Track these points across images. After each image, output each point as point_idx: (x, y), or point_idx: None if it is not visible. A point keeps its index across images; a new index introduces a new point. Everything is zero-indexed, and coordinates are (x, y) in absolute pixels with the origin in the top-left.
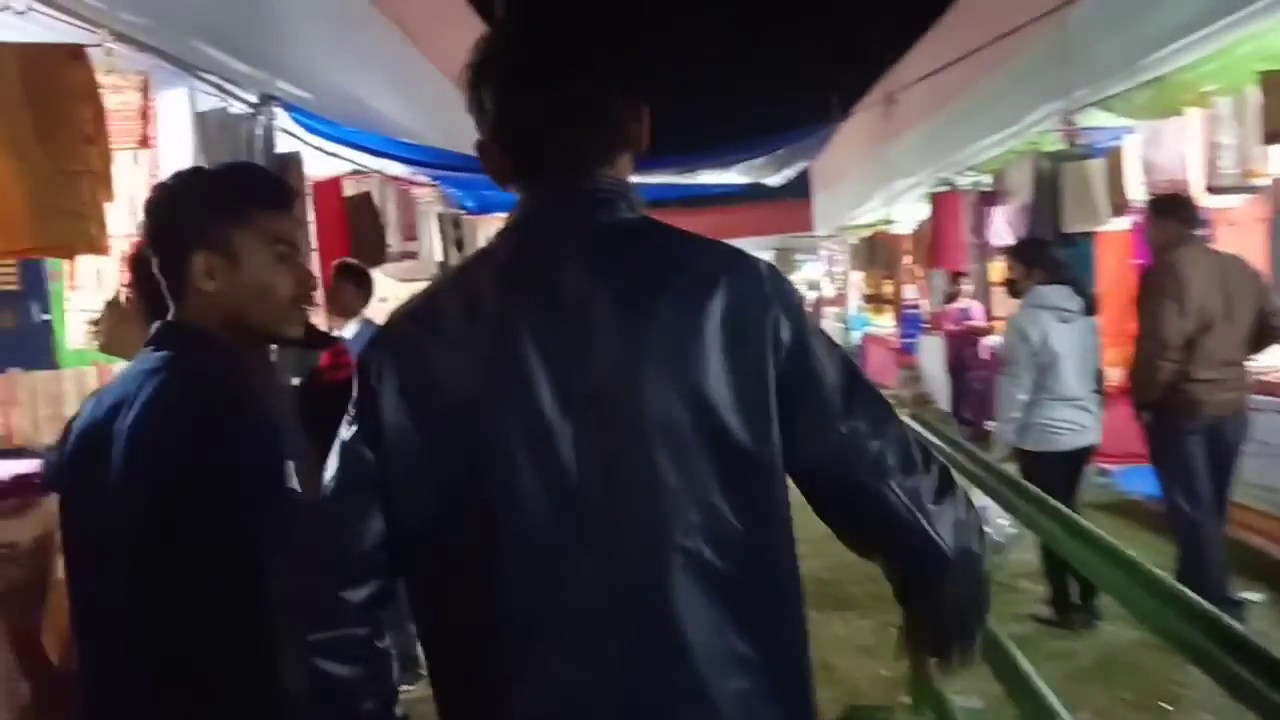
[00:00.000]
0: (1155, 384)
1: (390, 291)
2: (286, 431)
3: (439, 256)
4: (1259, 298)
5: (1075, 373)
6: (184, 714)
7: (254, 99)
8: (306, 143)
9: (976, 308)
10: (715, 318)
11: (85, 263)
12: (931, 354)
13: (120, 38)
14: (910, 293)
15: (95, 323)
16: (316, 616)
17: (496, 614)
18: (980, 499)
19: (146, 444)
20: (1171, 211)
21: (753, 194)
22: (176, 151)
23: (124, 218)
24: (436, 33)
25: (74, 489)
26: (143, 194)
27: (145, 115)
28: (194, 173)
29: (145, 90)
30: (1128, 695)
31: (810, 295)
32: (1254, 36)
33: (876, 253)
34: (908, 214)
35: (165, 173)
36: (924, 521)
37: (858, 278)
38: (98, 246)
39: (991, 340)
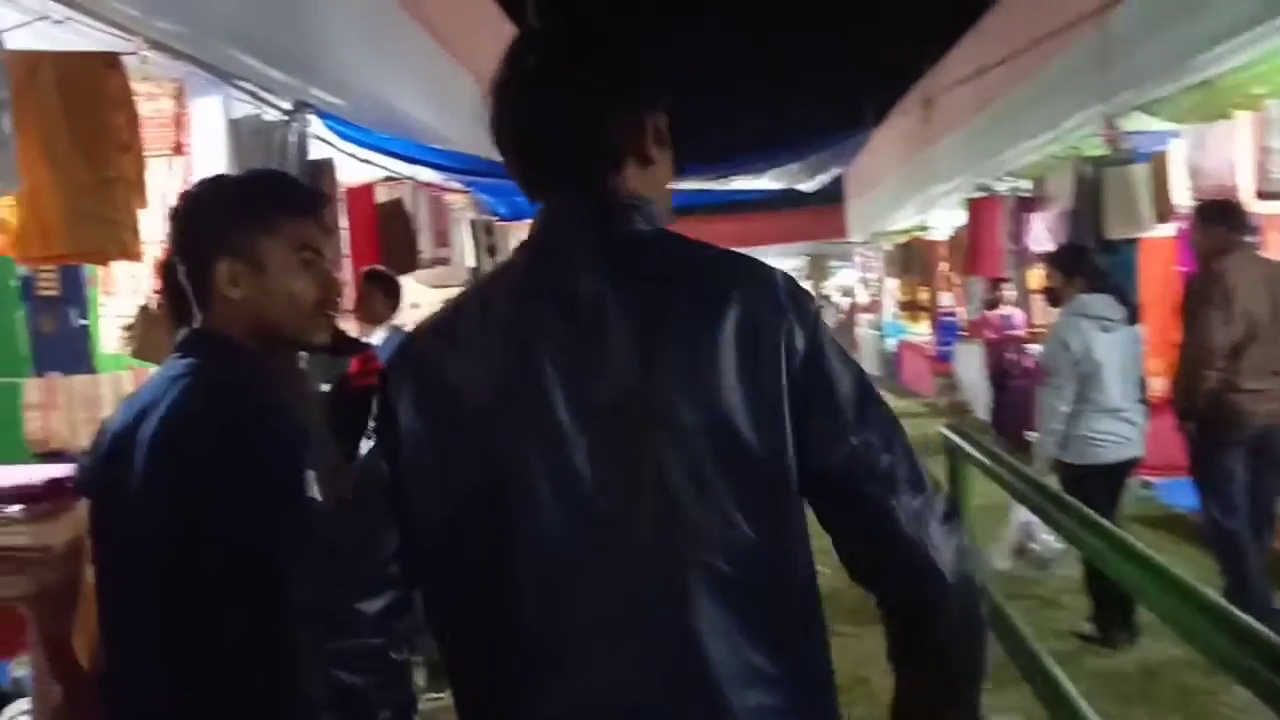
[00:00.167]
0: (1199, 393)
1: (423, 298)
2: (310, 439)
3: (471, 263)
4: None
5: (1118, 383)
6: (201, 714)
7: (288, 106)
8: (339, 149)
9: (1019, 315)
10: (729, 328)
11: (120, 269)
12: (968, 362)
13: (156, 45)
14: (946, 300)
15: (128, 328)
16: (332, 626)
17: (513, 625)
18: (1025, 514)
19: (167, 451)
20: (1219, 218)
21: (786, 200)
22: (210, 158)
23: (157, 224)
24: (469, 38)
25: (102, 494)
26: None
27: (179, 122)
28: (217, 180)
29: (179, 97)
30: (1175, 718)
31: (844, 302)
32: None
33: (912, 259)
34: (944, 220)
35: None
36: (928, 541)
37: (893, 284)
38: (131, 253)
39: (1033, 349)
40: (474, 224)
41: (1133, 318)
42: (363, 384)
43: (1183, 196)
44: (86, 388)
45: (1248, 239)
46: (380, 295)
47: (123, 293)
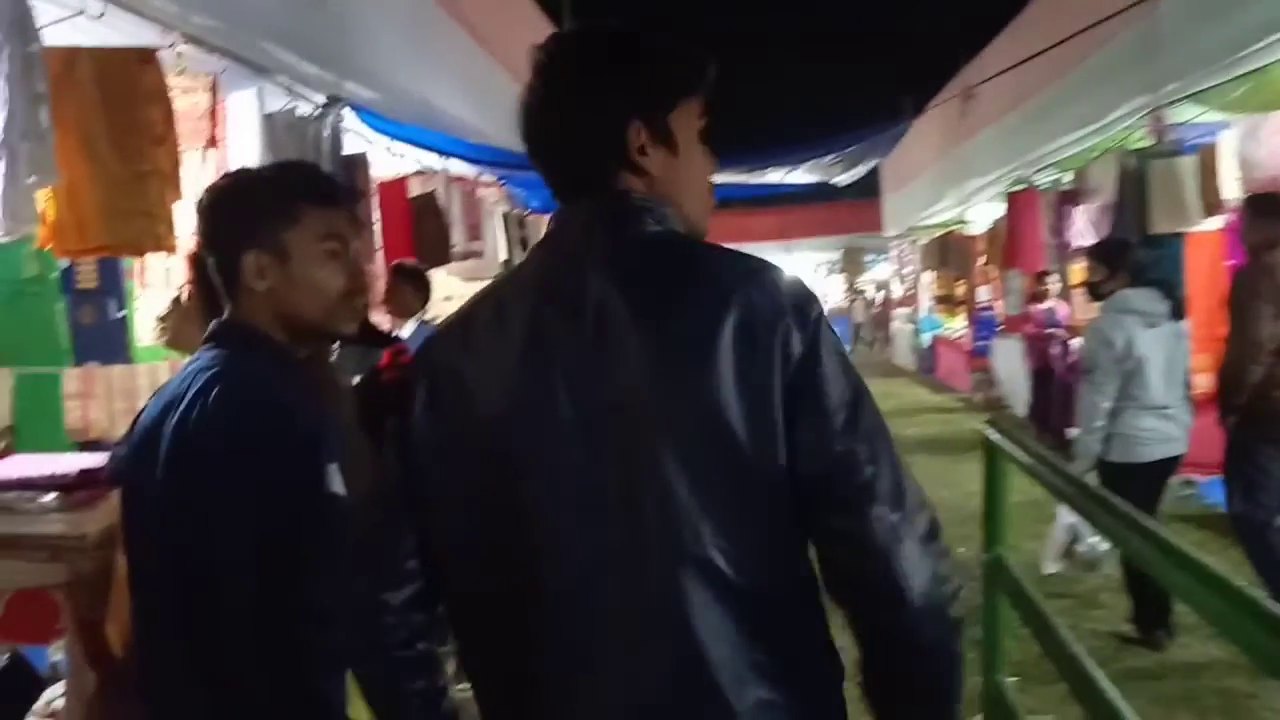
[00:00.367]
0: (1244, 388)
1: (455, 290)
2: (334, 432)
3: (504, 256)
4: None
5: (1162, 380)
6: (227, 709)
7: (322, 100)
8: (373, 142)
9: (1063, 309)
10: (729, 329)
11: (155, 261)
12: (1006, 357)
13: (191, 40)
14: (984, 294)
15: (162, 319)
16: (357, 617)
17: (525, 624)
18: (1070, 516)
19: (190, 442)
20: (1271, 211)
21: (819, 193)
22: (244, 152)
23: (191, 217)
24: (503, 32)
25: (131, 483)
26: None
27: (214, 116)
28: (242, 173)
29: (214, 91)
30: None
31: (878, 296)
32: None
33: (949, 253)
34: (982, 214)
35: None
36: (900, 555)
37: (929, 279)
38: (166, 245)
39: (1076, 344)
40: (506, 217)
41: (1177, 313)
42: (392, 377)
43: (1232, 189)
44: (124, 378)
45: None
46: (410, 289)
47: (157, 285)
